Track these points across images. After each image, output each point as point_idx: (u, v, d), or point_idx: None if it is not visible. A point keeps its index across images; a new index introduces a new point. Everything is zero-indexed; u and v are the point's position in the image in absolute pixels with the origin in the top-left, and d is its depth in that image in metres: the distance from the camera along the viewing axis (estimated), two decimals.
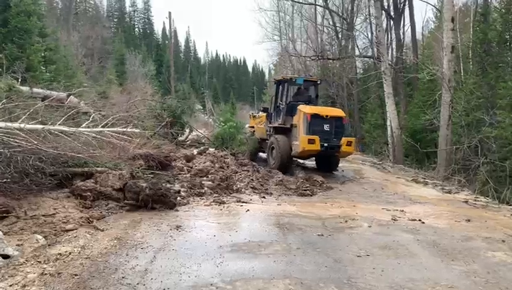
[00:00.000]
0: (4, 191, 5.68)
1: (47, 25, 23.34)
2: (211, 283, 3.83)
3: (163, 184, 7.19)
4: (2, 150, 5.88)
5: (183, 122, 15.65)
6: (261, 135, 14.13)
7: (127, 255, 4.49)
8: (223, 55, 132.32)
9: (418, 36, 30.24)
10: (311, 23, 33.89)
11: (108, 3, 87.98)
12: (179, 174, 9.32)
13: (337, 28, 31.45)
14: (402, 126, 20.11)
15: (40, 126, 7.05)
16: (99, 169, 7.26)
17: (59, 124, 7.52)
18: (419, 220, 6.78)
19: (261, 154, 14.27)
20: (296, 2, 31.26)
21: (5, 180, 5.67)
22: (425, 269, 4.51)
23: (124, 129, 9.28)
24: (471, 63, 19.58)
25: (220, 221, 6.13)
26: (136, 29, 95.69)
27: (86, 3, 64.87)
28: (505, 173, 12.52)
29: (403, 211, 7.53)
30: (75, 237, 5.05)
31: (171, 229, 5.50)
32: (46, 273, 3.91)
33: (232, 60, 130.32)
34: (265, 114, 13.97)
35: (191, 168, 10.05)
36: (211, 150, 13.26)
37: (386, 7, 24.29)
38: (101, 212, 6.27)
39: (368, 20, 29.15)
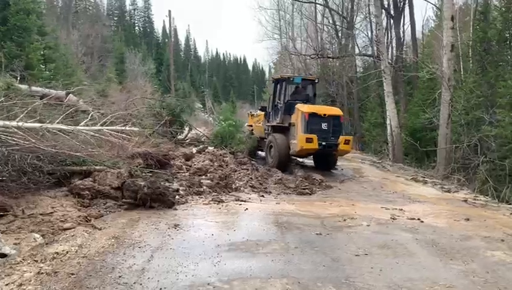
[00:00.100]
0: (2, 189, 5.68)
1: (46, 24, 23.30)
2: (208, 282, 3.81)
3: (162, 183, 7.18)
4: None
5: (183, 120, 15.62)
6: (259, 134, 14.20)
7: (124, 254, 4.47)
8: (223, 54, 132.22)
9: (418, 35, 30.24)
10: (311, 22, 33.83)
11: (108, 1, 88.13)
12: (178, 172, 9.31)
13: (337, 27, 31.39)
14: (402, 125, 20.09)
15: (38, 124, 7.02)
16: (97, 168, 7.24)
17: (57, 123, 7.49)
18: (418, 219, 6.76)
19: (259, 152, 14.28)
20: (296, 0, 31.21)
21: (2, 178, 5.66)
22: (423, 268, 4.49)
23: (123, 128, 9.25)
24: (471, 61, 19.53)
25: (218, 220, 6.11)
26: (136, 27, 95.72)
27: (86, 2, 64.76)
28: (504, 171, 12.51)
29: (402, 210, 7.51)
30: (72, 235, 5.02)
31: (169, 228, 5.49)
32: (42, 273, 3.90)
33: (232, 59, 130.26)
34: (263, 113, 13.99)
35: (190, 166, 10.04)
36: (210, 148, 13.26)
37: (386, 6, 24.23)
38: (99, 211, 6.25)
39: (367, 19, 29.09)
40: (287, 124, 12.15)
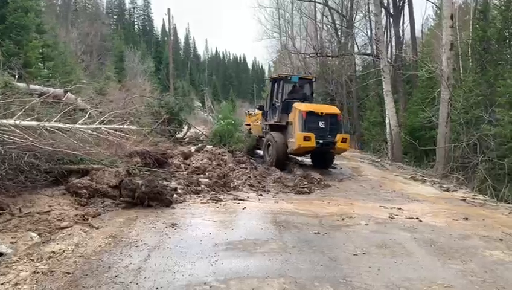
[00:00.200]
0: None
1: (45, 22, 23.24)
2: (204, 282, 3.79)
3: (160, 181, 7.14)
4: None
5: (181, 119, 15.59)
6: (257, 133, 14.31)
7: (121, 253, 4.45)
8: (223, 52, 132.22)
9: (418, 34, 30.28)
10: (311, 21, 33.83)
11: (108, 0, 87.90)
12: (176, 171, 9.28)
13: (337, 26, 31.41)
14: (401, 124, 20.10)
15: (35, 123, 6.99)
16: (95, 166, 7.20)
17: (55, 121, 7.47)
18: (417, 218, 6.74)
19: (257, 151, 14.31)
20: None
21: None
22: (421, 268, 4.47)
23: (121, 126, 9.22)
24: (470, 60, 19.53)
25: (216, 219, 6.08)
26: (136, 26, 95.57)
27: (86, 0, 64.70)
28: (503, 171, 12.52)
29: (400, 209, 7.49)
30: (69, 234, 4.99)
31: (166, 227, 5.46)
32: (38, 272, 3.87)
33: (231, 57, 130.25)
34: (261, 112, 14.13)
35: (188, 165, 10.02)
36: (209, 147, 13.24)
37: (385, 4, 24.23)
38: (96, 209, 6.21)
39: (367, 18, 29.13)
40: (284, 123, 12.23)
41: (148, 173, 7.90)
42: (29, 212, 5.47)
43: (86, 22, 48.00)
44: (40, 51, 18.24)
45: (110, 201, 6.60)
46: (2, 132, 6.18)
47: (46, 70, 17.78)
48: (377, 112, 25.82)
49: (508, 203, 9.64)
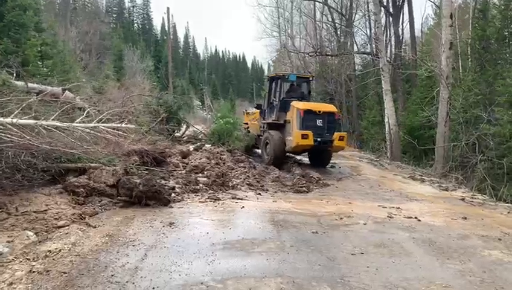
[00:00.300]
0: None
1: (44, 20, 23.19)
2: (201, 282, 3.77)
3: (158, 180, 7.12)
4: None
5: (180, 118, 15.57)
6: (255, 131, 14.41)
7: (118, 252, 4.42)
8: (222, 51, 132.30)
9: (417, 33, 30.26)
10: (310, 20, 33.80)
11: None
12: (174, 170, 9.26)
13: (336, 25, 31.39)
14: (400, 123, 20.08)
15: (33, 121, 6.95)
16: (92, 165, 7.17)
17: (53, 119, 7.43)
18: (415, 217, 6.72)
19: (255, 150, 14.35)
20: None
21: None
22: (420, 267, 4.45)
23: (119, 125, 9.19)
24: (469, 59, 19.50)
25: (214, 218, 6.05)
26: (135, 24, 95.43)
27: None
28: (502, 170, 12.50)
29: (399, 208, 7.48)
30: (66, 233, 4.96)
31: (164, 226, 5.43)
32: (34, 271, 3.84)
33: (231, 56, 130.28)
34: (258, 111, 14.25)
35: (187, 164, 9.99)
36: (207, 146, 13.24)
37: (385, 3, 24.20)
38: (93, 208, 6.17)
39: (366, 17, 29.09)
40: (282, 121, 12.33)
41: (146, 171, 7.88)
42: (26, 211, 5.43)
43: (85, 20, 47.93)
44: (39, 49, 18.17)
45: (108, 200, 6.57)
46: None
47: (44, 69, 17.72)
48: (376, 111, 25.81)
49: (507, 202, 9.62)
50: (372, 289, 3.86)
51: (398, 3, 24.24)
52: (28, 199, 5.80)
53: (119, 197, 6.57)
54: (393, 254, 4.83)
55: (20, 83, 9.97)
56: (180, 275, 3.91)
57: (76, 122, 7.97)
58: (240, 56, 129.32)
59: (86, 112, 8.91)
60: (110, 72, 32.94)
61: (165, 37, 71.56)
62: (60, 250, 4.41)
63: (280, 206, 7.11)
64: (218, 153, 11.71)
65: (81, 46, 36.82)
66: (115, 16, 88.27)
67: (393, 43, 25.61)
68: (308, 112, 11.42)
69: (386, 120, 19.01)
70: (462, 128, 15.09)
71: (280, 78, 13.22)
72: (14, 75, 10.59)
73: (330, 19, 31.64)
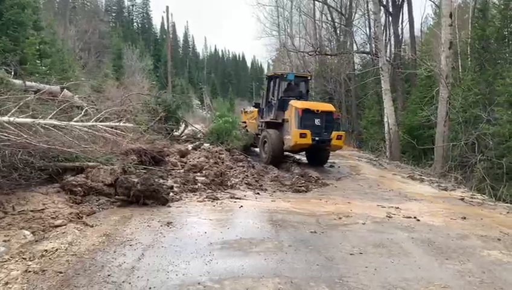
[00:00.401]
0: None
1: (43, 18, 23.12)
2: (198, 282, 3.73)
3: (156, 180, 7.09)
4: None
5: (178, 117, 15.54)
6: (253, 130, 14.49)
7: (115, 252, 4.38)
8: (222, 51, 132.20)
9: (417, 33, 30.23)
10: (310, 19, 33.76)
11: None
12: (173, 169, 9.22)
13: (336, 24, 31.35)
14: (399, 122, 20.06)
15: (30, 120, 6.91)
16: (90, 164, 7.14)
17: (50, 118, 7.39)
18: (415, 217, 6.70)
19: (253, 148, 14.36)
20: None
21: None
22: (419, 268, 4.42)
23: (117, 123, 9.15)
24: (469, 59, 19.48)
25: (212, 217, 6.02)
26: (135, 24, 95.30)
27: None
28: (501, 170, 12.48)
29: (398, 208, 7.45)
30: (63, 233, 4.92)
31: (161, 226, 5.40)
32: (30, 271, 3.80)
33: (230, 56, 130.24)
34: (256, 109, 14.33)
35: (185, 163, 9.96)
36: (206, 145, 13.22)
37: (384, 3, 24.16)
38: (91, 207, 6.14)
39: (366, 16, 29.06)
40: (280, 120, 12.36)
41: (144, 171, 7.84)
42: (22, 210, 5.40)
43: (84, 19, 47.85)
44: (37, 47, 18.11)
45: (105, 199, 6.54)
46: None
47: (43, 68, 17.67)
48: (375, 110, 25.80)
49: (506, 202, 9.60)
50: (371, 289, 3.83)
51: (397, 2, 24.21)
52: (25, 198, 5.77)
53: (116, 197, 6.54)
54: (392, 254, 4.80)
55: (18, 82, 9.92)
56: (177, 275, 3.88)
57: (74, 121, 7.92)
58: (239, 55, 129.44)
59: (84, 110, 8.87)
60: (109, 71, 32.90)
61: (164, 36, 71.50)
62: (56, 249, 4.37)
63: (279, 206, 7.09)
64: (216, 152, 11.68)
65: (80, 45, 36.76)
66: (114, 14, 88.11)
67: (392, 42, 25.61)
68: (306, 111, 11.47)
69: (385, 120, 18.99)
70: (462, 128, 15.06)
71: (278, 77, 13.24)
72: (12, 73, 10.55)
73: (330, 18, 31.62)
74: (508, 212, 7.74)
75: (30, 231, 4.88)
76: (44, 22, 23.25)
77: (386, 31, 26.14)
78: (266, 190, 8.72)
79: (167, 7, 33.88)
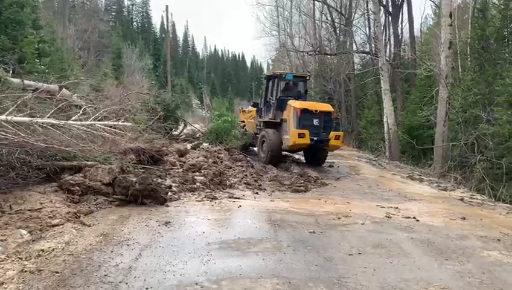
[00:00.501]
0: None
1: (42, 17, 23.06)
2: (196, 282, 3.70)
3: (154, 179, 7.04)
4: None
5: (177, 116, 15.51)
6: (251, 130, 14.53)
7: (112, 251, 4.35)
8: (222, 50, 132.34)
9: (417, 33, 30.17)
10: (310, 19, 33.73)
11: None
12: (171, 169, 9.18)
13: (335, 24, 31.32)
14: (399, 122, 20.04)
15: (28, 119, 6.87)
16: (88, 163, 7.10)
17: (48, 117, 7.35)
18: (414, 217, 6.68)
19: (251, 148, 14.37)
20: None
21: None
22: (418, 268, 4.39)
23: (116, 123, 9.11)
24: (469, 59, 19.44)
25: (210, 217, 5.99)
26: (134, 23, 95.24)
27: None
28: (501, 170, 12.45)
29: (397, 208, 7.42)
30: (60, 232, 4.89)
31: (159, 226, 5.37)
32: (26, 271, 3.78)
33: (230, 55, 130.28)
34: (255, 109, 14.40)
35: (184, 163, 9.92)
36: (205, 144, 13.20)
37: (384, 3, 24.13)
38: (89, 207, 6.11)
39: (365, 16, 29.01)
40: (279, 120, 12.39)
41: (142, 170, 7.81)
42: (20, 210, 5.37)
43: (84, 18, 47.78)
44: (36, 46, 18.04)
45: (103, 198, 6.51)
46: None
47: (42, 67, 17.60)
48: (375, 110, 25.78)
49: (506, 203, 9.58)
50: None
51: (397, 2, 24.18)
52: (22, 197, 5.73)
53: (115, 196, 6.51)
54: (391, 255, 4.77)
55: (16, 80, 9.88)
56: (174, 275, 3.84)
57: (73, 120, 7.89)
58: (239, 55, 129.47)
59: (82, 109, 8.83)
60: (108, 70, 32.84)
61: (164, 36, 71.50)
62: (53, 249, 4.34)
63: (277, 206, 7.06)
64: (215, 151, 11.65)
65: (80, 44, 36.69)
66: (113, 14, 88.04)
67: (392, 42, 25.59)
68: (305, 111, 11.52)
69: (384, 120, 18.98)
70: (461, 128, 15.03)
71: (277, 77, 13.24)
72: (11, 72, 10.52)
73: (329, 18, 31.58)
74: (507, 213, 7.72)
75: (27, 230, 4.85)
76: (44, 21, 23.17)
77: (385, 31, 26.13)
78: (265, 189, 8.69)
79: (167, 6, 33.84)
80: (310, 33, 33.96)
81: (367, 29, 28.82)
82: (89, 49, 40.02)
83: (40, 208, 5.55)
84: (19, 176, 5.94)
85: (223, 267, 4.08)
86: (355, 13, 30.14)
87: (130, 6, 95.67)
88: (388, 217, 6.68)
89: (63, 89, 11.02)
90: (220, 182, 8.42)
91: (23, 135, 6.18)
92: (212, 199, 7.17)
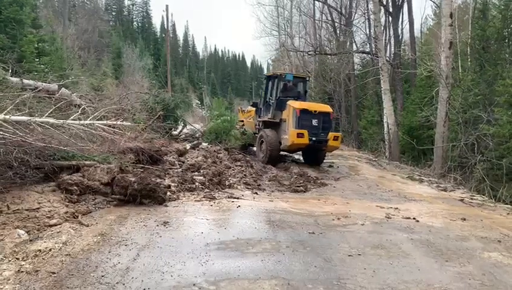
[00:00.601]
0: None
1: (42, 17, 23.02)
2: (193, 283, 3.66)
3: (153, 179, 6.99)
4: None
5: (177, 116, 15.48)
6: (250, 129, 14.55)
7: (110, 252, 4.32)
8: (222, 50, 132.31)
9: (417, 33, 30.16)
10: (310, 19, 33.69)
11: None
12: (170, 168, 9.14)
13: (336, 24, 31.27)
14: (399, 123, 20.00)
15: (26, 118, 6.83)
16: (87, 162, 7.06)
17: (47, 116, 7.32)
18: (414, 218, 6.65)
19: (250, 147, 14.38)
20: None
21: None
22: (418, 270, 4.36)
23: (115, 122, 9.08)
24: (469, 59, 19.40)
25: (209, 217, 5.96)
26: (135, 23, 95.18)
27: None
28: (501, 171, 12.41)
29: (397, 209, 7.40)
30: (58, 232, 4.86)
31: (157, 226, 5.33)
32: (22, 271, 3.75)
33: (230, 55, 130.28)
34: (254, 109, 14.49)
35: (183, 162, 9.88)
36: (204, 144, 13.18)
37: (384, 3, 24.08)
38: (87, 207, 6.07)
39: (366, 16, 28.95)
40: (278, 120, 12.44)
41: (141, 170, 7.77)
42: (17, 209, 5.34)
43: (84, 17, 47.74)
44: (36, 45, 18.00)
45: (102, 198, 6.48)
46: None
47: (42, 66, 17.55)
48: (374, 110, 25.75)
49: (506, 203, 9.55)
50: None
51: (397, 2, 24.12)
52: (20, 197, 5.70)
53: (113, 196, 6.47)
54: (391, 256, 4.74)
55: (15, 79, 9.84)
56: (172, 276, 3.81)
57: (71, 119, 7.85)
58: (239, 55, 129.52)
59: (81, 108, 8.80)
60: (107, 70, 32.78)
61: (164, 36, 71.44)
62: (50, 249, 4.31)
63: (277, 206, 7.02)
64: (215, 151, 11.63)
65: (79, 44, 36.60)
66: (114, 14, 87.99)
67: (392, 42, 25.53)
68: (304, 112, 11.59)
69: (384, 120, 18.95)
70: (461, 128, 14.98)
71: (277, 77, 13.27)
72: (10, 71, 10.48)
73: (329, 18, 31.52)
74: (508, 214, 7.69)
75: (25, 230, 4.82)
76: (44, 20, 23.12)
77: (386, 31, 26.08)
78: (264, 189, 8.66)
79: (167, 6, 33.70)
80: (310, 33, 33.93)
81: (367, 29, 28.78)
82: (89, 49, 39.93)
83: (38, 208, 5.52)
84: (16, 176, 5.91)
85: (221, 268, 4.04)
86: (355, 13, 30.10)
87: (130, 6, 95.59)
88: (388, 217, 6.65)
89: (62, 88, 10.98)
90: (219, 182, 8.38)
91: (21, 134, 6.15)
92: (211, 199, 7.13)
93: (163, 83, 34.16)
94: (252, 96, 74.10)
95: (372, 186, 10.10)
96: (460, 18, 24.10)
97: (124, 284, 3.58)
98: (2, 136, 5.96)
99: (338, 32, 31.21)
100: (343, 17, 30.12)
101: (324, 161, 13.02)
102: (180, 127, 16.22)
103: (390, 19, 25.37)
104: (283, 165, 12.00)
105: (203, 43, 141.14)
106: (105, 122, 8.72)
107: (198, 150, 11.89)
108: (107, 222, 5.43)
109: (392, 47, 25.36)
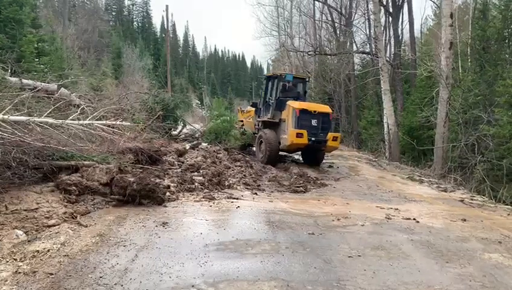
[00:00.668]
0: None
1: (42, 16, 22.98)
2: (192, 284, 3.64)
3: (152, 179, 6.97)
4: None
5: (177, 116, 15.46)
6: (249, 129, 14.55)
7: (108, 253, 4.29)
8: (222, 50, 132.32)
9: (417, 33, 30.12)
10: (310, 19, 33.67)
11: None
12: (170, 169, 9.11)
13: (336, 24, 31.25)
14: (399, 123, 19.98)
15: (24, 118, 6.81)
16: (86, 163, 7.04)
17: (46, 116, 7.29)
18: (414, 219, 6.62)
19: (249, 147, 14.37)
20: None
21: None
22: (418, 271, 4.33)
23: (114, 122, 9.06)
24: (469, 60, 19.36)
25: (208, 218, 5.93)
26: (135, 23, 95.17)
27: None
28: (502, 171, 12.37)
29: (397, 209, 7.37)
30: (56, 233, 4.84)
31: (156, 226, 5.30)
32: (20, 272, 3.72)
33: (230, 55, 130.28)
34: (253, 109, 14.52)
35: (183, 163, 9.86)
36: (204, 144, 13.17)
37: (384, 3, 24.05)
38: (86, 207, 6.05)
39: (366, 16, 28.92)
40: (277, 120, 12.46)
41: (140, 170, 7.74)
42: (16, 209, 5.31)
43: (84, 17, 47.71)
44: (35, 45, 17.97)
45: (101, 199, 6.46)
46: None
47: (41, 66, 17.52)
48: (374, 111, 25.72)
49: (506, 204, 9.52)
50: None
51: (397, 3, 24.09)
52: (18, 197, 5.67)
53: (112, 196, 6.44)
54: (391, 257, 4.71)
55: (14, 79, 9.82)
56: (170, 277, 3.78)
57: (70, 119, 7.83)
58: (239, 55, 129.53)
59: (80, 108, 8.77)
60: (107, 70, 32.74)
61: (164, 35, 71.41)
62: (48, 250, 4.29)
63: (276, 207, 7.00)
64: (214, 151, 11.61)
65: (79, 44, 36.57)
66: (114, 14, 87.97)
67: (392, 42, 25.50)
68: (303, 112, 11.61)
69: (384, 120, 18.92)
70: (462, 129, 14.95)
71: (277, 77, 13.28)
72: (9, 71, 10.46)
73: (329, 18, 31.51)
74: (508, 215, 7.67)
75: (23, 230, 4.80)
76: (43, 20, 23.08)
77: (386, 31, 26.05)
78: (264, 190, 8.63)
79: (167, 6, 33.70)
80: (310, 33, 33.92)
81: (367, 29, 28.74)
82: (89, 49, 39.91)
83: (37, 208, 5.49)
84: (15, 176, 5.90)
85: (220, 270, 4.02)
86: (355, 13, 30.08)
87: (130, 6, 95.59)
88: (388, 218, 6.63)
89: (62, 88, 10.95)
90: (218, 182, 8.35)
91: (20, 134, 6.13)
92: (210, 199, 7.11)
93: (163, 83, 34.12)
94: (252, 97, 74.09)
95: (372, 186, 10.07)
96: (461, 18, 24.06)
97: (122, 286, 3.55)
98: (0, 136, 5.94)
99: (338, 32, 31.19)
100: (343, 18, 30.10)
101: (324, 161, 13.04)
102: (179, 127, 16.20)
103: (390, 19, 25.34)
104: (283, 166, 11.99)
105: (203, 43, 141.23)
106: (104, 122, 8.70)
107: (197, 150, 11.87)
108: (106, 222, 5.41)
109: (392, 47, 25.34)
